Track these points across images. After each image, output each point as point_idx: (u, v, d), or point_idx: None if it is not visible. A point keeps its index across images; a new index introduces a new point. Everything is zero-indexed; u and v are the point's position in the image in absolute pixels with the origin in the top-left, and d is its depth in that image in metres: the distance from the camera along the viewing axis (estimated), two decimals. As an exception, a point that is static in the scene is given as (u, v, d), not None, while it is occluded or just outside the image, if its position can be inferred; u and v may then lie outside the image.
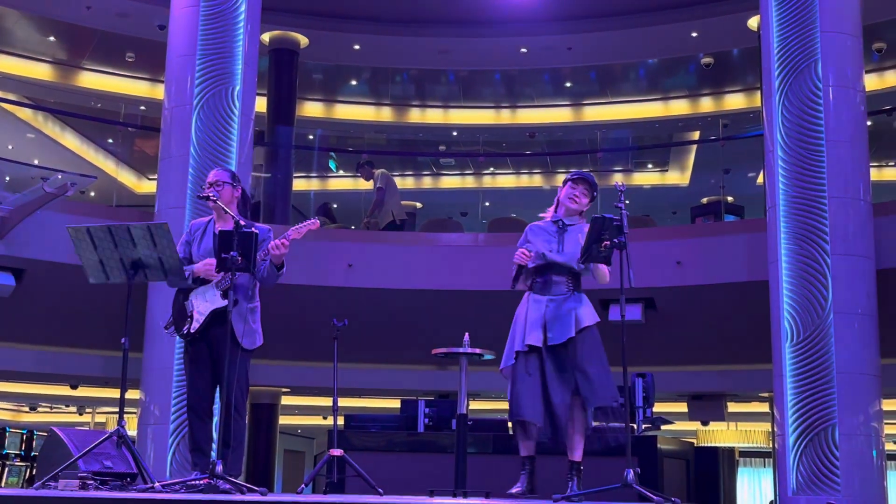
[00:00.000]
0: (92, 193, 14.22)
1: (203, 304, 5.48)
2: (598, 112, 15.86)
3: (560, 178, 5.59)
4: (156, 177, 9.56)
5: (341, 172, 15.12)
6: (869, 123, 8.94)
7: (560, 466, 5.33)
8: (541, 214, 5.55)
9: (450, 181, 16.94)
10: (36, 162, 13.63)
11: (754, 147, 10.70)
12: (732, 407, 14.72)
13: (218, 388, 5.54)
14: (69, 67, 14.86)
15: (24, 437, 19.07)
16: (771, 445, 14.21)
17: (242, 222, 5.23)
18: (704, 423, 16.38)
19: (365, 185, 12.61)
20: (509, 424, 8.73)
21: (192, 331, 5.49)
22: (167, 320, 5.64)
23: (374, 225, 12.02)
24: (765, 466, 21.80)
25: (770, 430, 14.45)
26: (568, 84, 15.58)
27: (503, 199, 15.81)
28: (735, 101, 15.29)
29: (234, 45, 9.13)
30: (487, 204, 15.71)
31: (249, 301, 5.51)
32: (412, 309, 10.77)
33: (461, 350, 6.63)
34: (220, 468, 4.85)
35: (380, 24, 13.39)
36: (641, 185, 16.52)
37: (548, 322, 5.22)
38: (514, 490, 5.24)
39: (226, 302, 5.37)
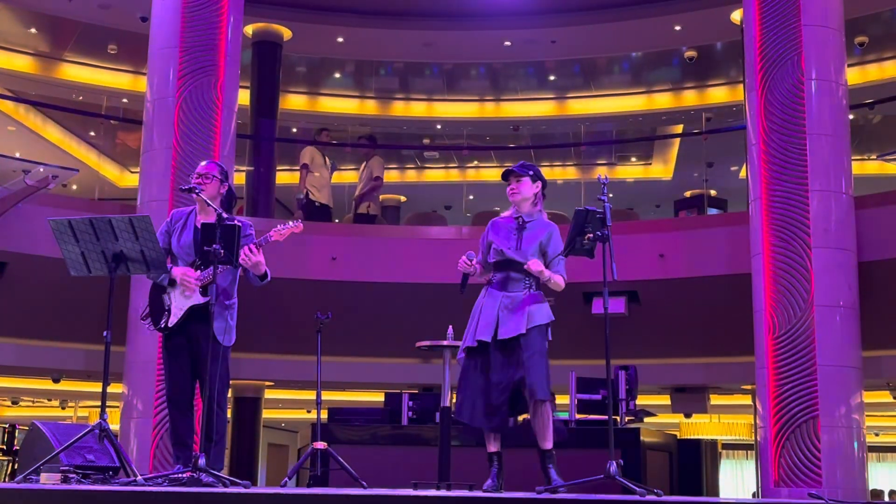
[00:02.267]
0: (74, 186, 14.15)
1: (181, 299, 5.46)
2: (582, 105, 15.88)
3: (544, 172, 5.63)
4: (138, 170, 9.53)
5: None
6: (851, 117, 8.97)
7: (530, 459, 5.33)
8: (503, 213, 5.60)
9: (434, 174, 16.94)
10: (17, 154, 13.53)
11: (737, 140, 10.73)
12: (715, 399, 14.77)
13: (199, 383, 5.53)
14: (51, 59, 14.77)
15: (6, 430, 18.98)
16: (753, 437, 14.28)
17: (225, 215, 5.21)
18: (687, 416, 16.44)
19: (348, 178, 12.58)
20: None
21: (169, 325, 5.47)
22: (143, 311, 5.63)
23: (370, 212, 11.95)
24: (747, 458, 21.92)
25: (752, 422, 14.52)
26: (552, 77, 15.59)
27: (487, 192, 15.83)
28: (718, 95, 15.33)
29: (217, 37, 9.10)
30: (471, 197, 15.74)
31: (228, 298, 5.50)
32: (396, 302, 10.76)
33: (445, 343, 6.65)
34: (202, 461, 4.84)
35: (364, 17, 13.35)
36: (625, 178, 16.57)
37: (500, 318, 5.27)
38: (486, 486, 5.25)
39: (204, 299, 5.36)
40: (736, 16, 12.00)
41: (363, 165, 12.23)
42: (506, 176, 5.50)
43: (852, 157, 8.81)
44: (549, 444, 5.21)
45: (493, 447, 5.34)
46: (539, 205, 5.47)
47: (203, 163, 5.79)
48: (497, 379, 5.21)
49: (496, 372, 5.22)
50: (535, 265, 5.22)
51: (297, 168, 12.45)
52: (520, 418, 5.61)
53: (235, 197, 5.90)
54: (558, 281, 5.30)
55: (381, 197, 12.52)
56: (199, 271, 5.44)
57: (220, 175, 5.64)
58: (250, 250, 5.31)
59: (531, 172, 5.45)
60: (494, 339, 5.25)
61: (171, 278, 5.48)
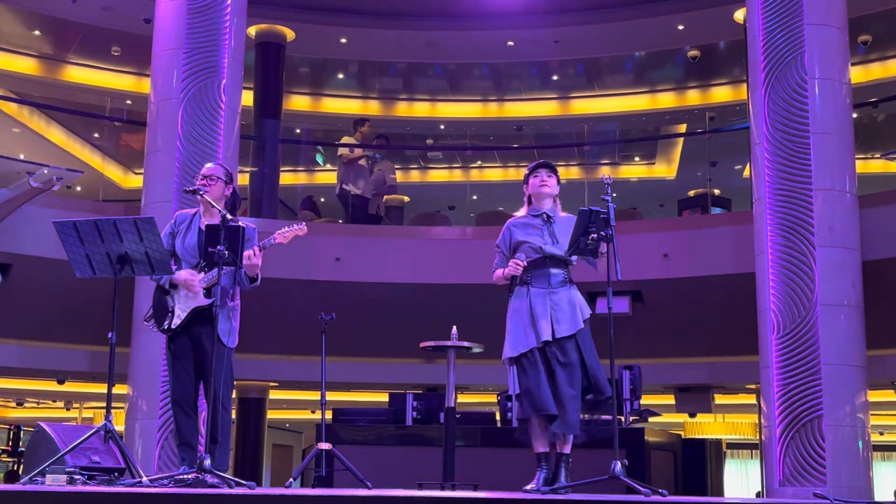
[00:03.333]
0: (78, 188, 14.15)
1: (185, 301, 5.47)
2: (586, 105, 15.86)
3: (547, 171, 5.62)
4: (142, 171, 9.54)
5: (328, 166, 15.10)
6: (854, 116, 8.96)
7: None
8: (515, 214, 5.57)
9: (437, 175, 16.93)
10: (22, 156, 13.56)
11: (741, 140, 10.72)
12: (719, 399, 14.76)
13: (203, 384, 5.55)
14: (55, 61, 14.78)
15: (11, 432, 19.03)
16: (758, 437, 14.27)
17: (229, 217, 5.22)
18: (692, 415, 16.43)
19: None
20: (495, 415, 8.75)
21: (172, 326, 5.48)
22: (147, 313, 5.64)
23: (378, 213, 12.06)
24: (752, 458, 21.91)
25: (757, 421, 14.51)
26: (555, 77, 15.58)
27: (491, 192, 15.83)
28: (721, 94, 15.31)
29: (221, 38, 9.11)
30: (475, 197, 15.73)
31: (231, 300, 5.51)
32: (400, 302, 10.77)
33: (449, 343, 6.66)
34: (207, 462, 4.85)
35: (366, 18, 13.36)
36: (628, 177, 16.54)
37: (554, 314, 5.23)
38: (531, 486, 5.19)
39: (208, 300, 5.38)
40: (739, 15, 11.99)
41: (372, 165, 12.26)
42: (537, 167, 5.49)
43: (856, 156, 8.81)
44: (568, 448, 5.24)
45: (544, 447, 5.27)
46: (558, 204, 5.51)
47: (208, 165, 5.81)
48: (563, 378, 5.16)
49: (560, 371, 5.17)
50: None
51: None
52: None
53: (240, 199, 5.90)
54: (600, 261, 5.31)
55: (384, 197, 12.57)
56: (202, 273, 5.46)
57: (225, 177, 5.65)
58: (253, 253, 5.33)
59: (557, 174, 5.54)
60: (553, 337, 5.21)
61: (173, 282, 5.49)
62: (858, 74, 13.28)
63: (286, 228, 5.46)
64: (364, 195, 11.91)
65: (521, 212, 5.54)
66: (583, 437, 5.26)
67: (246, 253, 5.29)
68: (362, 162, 11.92)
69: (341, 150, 11.90)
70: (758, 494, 15.20)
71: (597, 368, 5.25)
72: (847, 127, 8.59)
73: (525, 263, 5.28)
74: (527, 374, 5.20)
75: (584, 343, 5.26)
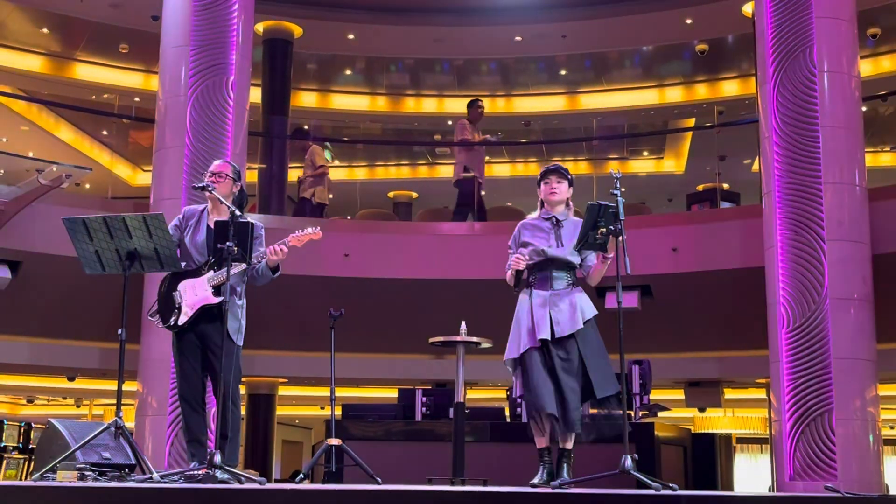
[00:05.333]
0: (87, 185, 14.19)
1: (192, 298, 5.47)
2: (594, 100, 15.85)
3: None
4: (151, 168, 9.56)
5: (336, 162, 15.10)
6: (864, 109, 8.93)
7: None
8: (529, 216, 5.60)
9: (445, 170, 16.94)
10: (31, 154, 13.61)
11: (749, 134, 10.70)
12: (729, 393, 14.75)
13: (211, 380, 5.55)
14: (63, 59, 14.81)
15: (22, 429, 19.08)
16: (768, 431, 14.25)
17: (238, 213, 5.22)
18: (701, 410, 16.42)
19: (359, 176, 12.61)
20: (506, 411, 8.77)
21: (179, 323, 5.48)
22: (152, 308, 5.64)
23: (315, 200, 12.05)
24: (762, 453, 21.86)
25: (767, 416, 14.48)
26: (563, 72, 15.57)
27: (499, 188, 15.82)
28: (730, 88, 15.28)
29: (228, 35, 9.11)
30: (483, 193, 15.72)
31: (238, 298, 5.52)
32: (409, 298, 10.77)
33: (458, 339, 6.66)
34: (217, 458, 4.86)
35: (374, 14, 13.36)
36: (637, 172, 16.54)
37: (553, 315, 5.25)
38: (535, 480, 5.25)
39: (217, 299, 5.38)
40: (747, 8, 11.96)
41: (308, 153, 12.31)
42: (546, 174, 5.49)
43: (865, 150, 8.78)
44: (570, 444, 5.25)
45: (544, 443, 5.34)
46: (571, 208, 5.52)
47: (217, 161, 5.82)
48: (564, 377, 5.18)
49: (562, 370, 5.20)
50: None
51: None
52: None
53: (247, 197, 5.90)
54: (599, 271, 5.36)
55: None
56: (210, 272, 5.45)
57: (234, 175, 5.65)
58: (280, 249, 5.36)
59: (570, 177, 5.56)
60: (552, 337, 5.23)
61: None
62: (868, 67, 13.23)
63: (300, 232, 5.46)
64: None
65: (535, 214, 5.57)
66: (585, 435, 5.28)
67: (272, 249, 5.33)
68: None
69: (463, 136, 11.93)
70: (768, 489, 15.18)
71: (600, 367, 5.25)
72: (856, 120, 8.56)
73: (528, 258, 5.32)
74: (528, 374, 5.26)
75: (584, 343, 5.26)
